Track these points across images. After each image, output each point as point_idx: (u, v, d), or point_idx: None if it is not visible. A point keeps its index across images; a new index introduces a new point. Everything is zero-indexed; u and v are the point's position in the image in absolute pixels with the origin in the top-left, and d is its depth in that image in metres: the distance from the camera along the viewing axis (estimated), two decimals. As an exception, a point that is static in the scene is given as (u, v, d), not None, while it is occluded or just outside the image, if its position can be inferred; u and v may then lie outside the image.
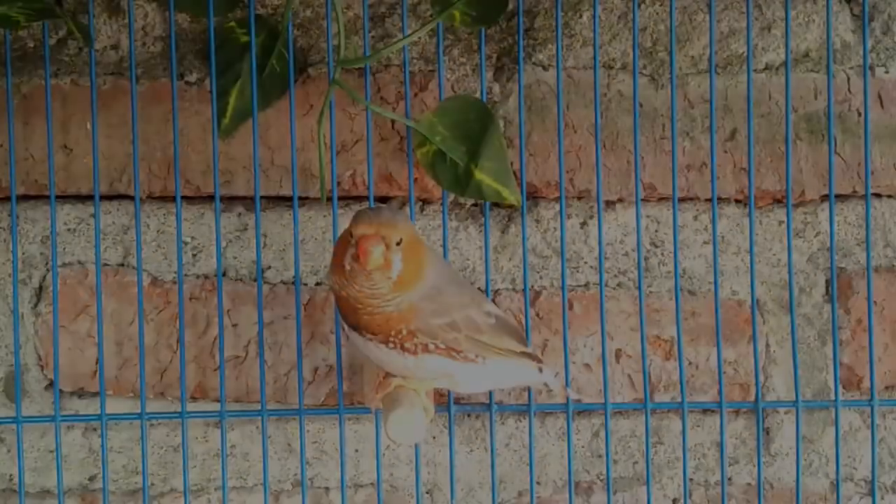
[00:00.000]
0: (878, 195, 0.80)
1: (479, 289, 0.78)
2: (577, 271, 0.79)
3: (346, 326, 0.67)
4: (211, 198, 0.78)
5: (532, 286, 0.79)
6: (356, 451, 0.79)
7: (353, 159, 0.78)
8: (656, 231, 0.79)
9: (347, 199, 0.78)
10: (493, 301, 0.78)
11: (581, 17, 0.78)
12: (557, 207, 0.78)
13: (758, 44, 0.79)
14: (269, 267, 0.78)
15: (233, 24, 0.75)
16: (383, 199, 0.79)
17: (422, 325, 0.64)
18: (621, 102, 0.79)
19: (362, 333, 0.65)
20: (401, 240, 0.62)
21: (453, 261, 0.78)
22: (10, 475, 0.78)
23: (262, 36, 0.75)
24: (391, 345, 0.65)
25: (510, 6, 0.76)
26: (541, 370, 0.70)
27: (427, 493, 0.80)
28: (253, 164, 0.75)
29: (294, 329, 0.77)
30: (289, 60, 0.75)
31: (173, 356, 0.78)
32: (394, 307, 0.63)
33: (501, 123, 0.78)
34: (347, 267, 0.63)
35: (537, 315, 0.79)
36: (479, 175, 0.74)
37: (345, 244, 0.63)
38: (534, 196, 0.79)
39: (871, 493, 0.78)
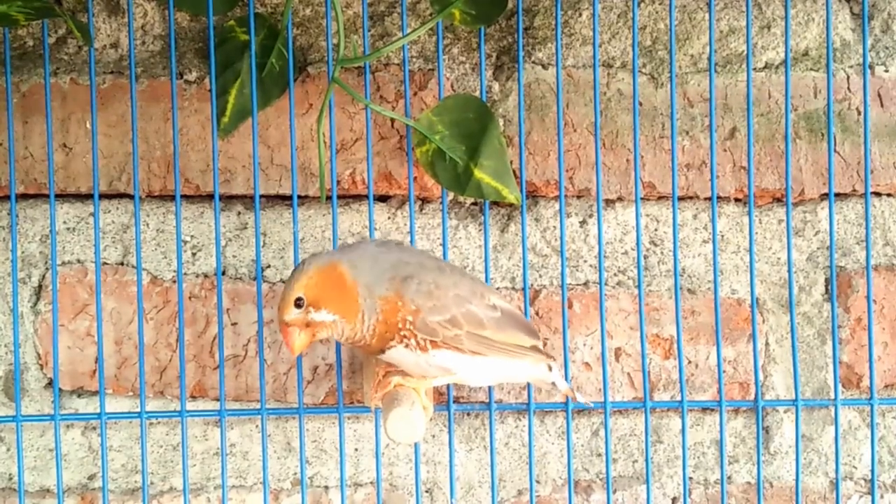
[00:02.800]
0: (877, 194, 0.80)
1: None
2: (577, 270, 0.79)
3: (375, 361, 0.68)
4: (210, 196, 0.78)
5: (532, 285, 0.79)
6: (356, 449, 0.79)
7: (352, 158, 0.78)
8: (656, 230, 0.79)
9: (347, 197, 0.78)
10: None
11: (580, 15, 0.78)
12: (557, 206, 0.78)
13: (757, 42, 0.79)
14: (269, 266, 0.78)
15: (232, 22, 0.75)
16: (383, 198, 0.79)
17: (420, 324, 0.64)
18: (621, 101, 0.79)
19: (388, 348, 0.65)
20: (299, 299, 0.63)
21: (453, 259, 0.78)
22: (10, 474, 0.78)
23: (261, 35, 0.75)
24: (403, 343, 0.64)
25: (510, 5, 0.76)
26: (550, 368, 0.69)
27: (426, 491, 0.80)
28: (252, 163, 0.75)
29: (293, 328, 0.77)
30: (288, 59, 0.75)
31: (173, 355, 0.78)
32: (371, 318, 0.64)
33: (501, 122, 0.78)
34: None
35: (537, 314, 0.79)
36: (479, 174, 0.74)
37: None
38: (533, 195, 0.79)
39: (871, 492, 0.78)
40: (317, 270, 0.64)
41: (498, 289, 0.79)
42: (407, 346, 0.64)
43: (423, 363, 0.65)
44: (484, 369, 0.67)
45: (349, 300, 0.64)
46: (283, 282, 0.78)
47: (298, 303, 0.63)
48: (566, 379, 0.75)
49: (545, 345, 0.79)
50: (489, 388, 0.76)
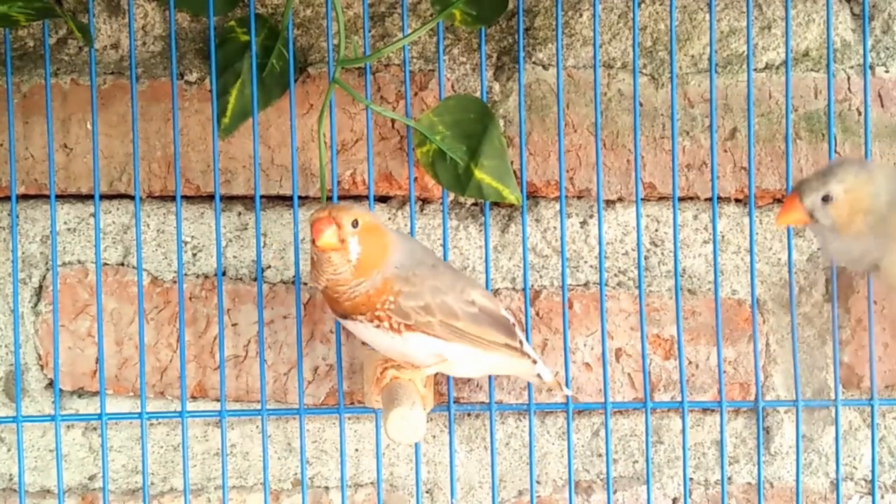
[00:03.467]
0: (878, 194, 0.80)
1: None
2: (577, 270, 0.79)
3: (337, 317, 0.68)
4: (211, 197, 0.78)
5: (532, 285, 0.79)
6: (356, 450, 0.79)
7: (353, 158, 0.78)
8: (656, 230, 0.79)
9: (347, 198, 0.78)
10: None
11: (581, 16, 0.78)
12: (557, 207, 0.78)
13: (758, 43, 0.79)
14: (269, 266, 0.78)
15: (233, 23, 0.75)
16: (383, 199, 0.79)
17: (396, 308, 0.65)
18: (621, 101, 0.79)
19: (353, 318, 0.67)
20: (356, 221, 0.64)
21: (453, 260, 0.78)
22: (10, 474, 0.78)
23: (262, 35, 0.75)
24: (375, 322, 0.66)
25: (510, 5, 0.76)
26: (535, 361, 0.70)
27: (427, 492, 0.80)
28: (253, 164, 0.75)
29: (294, 328, 0.77)
30: (289, 60, 0.75)
31: (173, 355, 0.78)
32: (367, 286, 0.65)
33: (501, 123, 0.78)
34: (314, 258, 0.65)
35: (537, 314, 0.79)
36: (480, 174, 0.74)
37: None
38: (534, 195, 0.79)
39: (871, 493, 0.78)
40: (379, 227, 0.66)
41: (498, 289, 0.79)
42: (378, 326, 0.66)
43: (397, 346, 0.67)
44: (461, 356, 0.68)
45: (370, 266, 0.65)
46: (284, 282, 0.78)
47: (355, 224, 0.64)
48: (566, 379, 0.75)
49: (545, 346, 0.79)
50: (490, 388, 0.76)
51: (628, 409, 0.79)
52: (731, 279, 0.80)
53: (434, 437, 0.80)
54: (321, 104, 0.76)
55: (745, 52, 0.78)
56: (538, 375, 0.71)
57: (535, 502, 0.79)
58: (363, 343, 0.71)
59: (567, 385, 0.75)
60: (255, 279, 0.78)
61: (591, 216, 0.79)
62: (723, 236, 0.79)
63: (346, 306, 0.66)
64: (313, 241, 0.64)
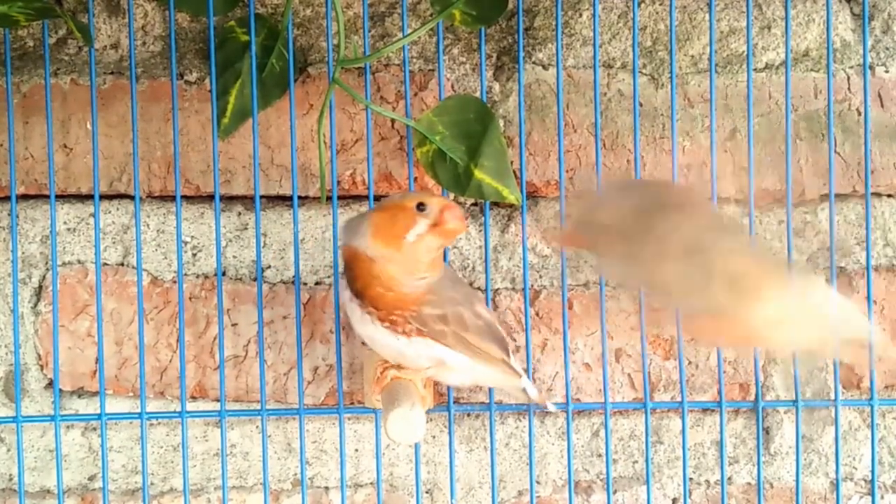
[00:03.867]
0: (877, 194, 0.80)
1: (478, 289, 0.78)
2: (577, 271, 0.79)
3: (349, 293, 0.67)
4: (211, 197, 0.78)
5: (532, 285, 0.79)
6: (356, 450, 0.79)
7: (352, 158, 0.78)
8: (656, 230, 0.79)
9: (347, 198, 0.78)
10: (493, 301, 0.78)
11: (581, 16, 0.78)
12: (557, 206, 0.78)
13: (758, 43, 0.79)
14: (269, 266, 0.78)
15: (233, 23, 0.75)
16: (383, 199, 0.79)
17: (415, 314, 0.65)
18: (621, 101, 0.79)
19: (365, 307, 0.66)
20: (422, 205, 0.65)
21: (453, 260, 0.78)
22: (10, 475, 0.78)
23: (262, 35, 0.75)
24: (387, 324, 0.66)
25: (510, 5, 0.76)
26: (520, 375, 0.71)
27: (427, 492, 0.80)
28: (253, 164, 0.75)
29: (294, 328, 0.77)
30: (289, 60, 0.75)
31: (173, 355, 0.78)
32: (412, 288, 0.65)
33: (501, 123, 0.78)
34: (412, 238, 0.64)
35: (537, 314, 0.79)
36: (479, 174, 0.74)
37: (406, 215, 0.64)
38: (534, 195, 0.79)
39: (871, 493, 0.78)
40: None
41: (498, 289, 0.79)
42: (388, 327, 0.66)
43: (401, 347, 0.67)
44: (462, 366, 0.68)
45: (437, 265, 0.66)
46: (284, 282, 0.78)
47: (420, 207, 0.64)
48: (566, 379, 0.75)
49: (545, 347, 0.79)
50: (490, 389, 0.76)
51: (628, 410, 0.79)
52: (730, 279, 0.79)
53: (434, 437, 0.80)
54: (321, 104, 0.76)
55: (745, 52, 0.78)
56: (523, 390, 0.71)
57: (535, 502, 0.79)
58: (363, 343, 0.71)
59: (567, 388, 0.75)
60: (255, 279, 0.78)
61: (591, 216, 0.79)
62: (723, 236, 0.79)
63: (375, 292, 0.65)
64: (444, 225, 0.64)
